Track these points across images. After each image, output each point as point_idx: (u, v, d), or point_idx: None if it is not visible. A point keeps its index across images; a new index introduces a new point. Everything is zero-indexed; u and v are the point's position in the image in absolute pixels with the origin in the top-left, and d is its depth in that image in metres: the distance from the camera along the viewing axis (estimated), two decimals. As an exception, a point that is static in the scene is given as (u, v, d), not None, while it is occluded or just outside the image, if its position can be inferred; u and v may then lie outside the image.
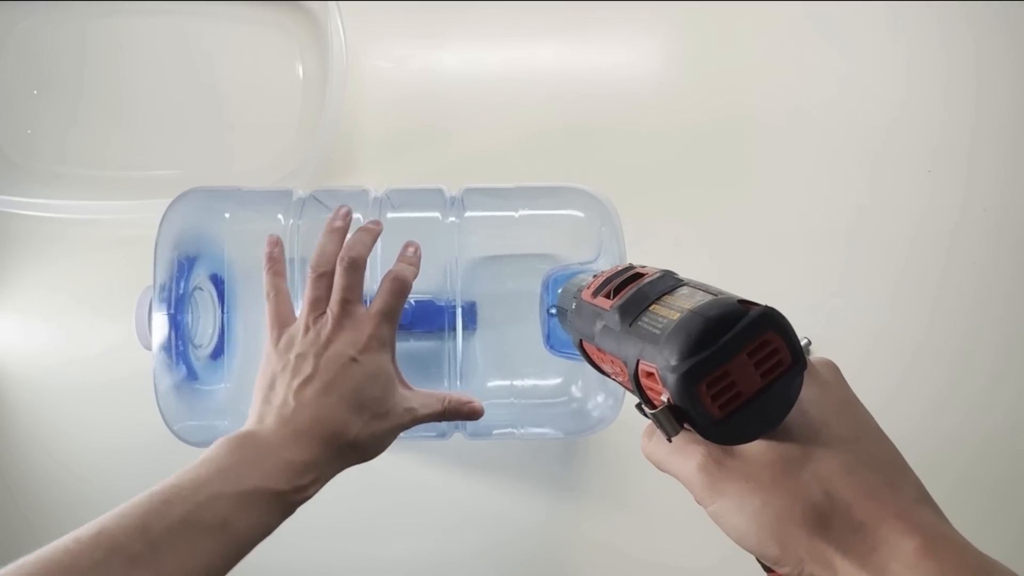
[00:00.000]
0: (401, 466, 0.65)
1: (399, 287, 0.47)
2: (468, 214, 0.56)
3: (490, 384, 0.56)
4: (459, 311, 0.54)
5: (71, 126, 0.70)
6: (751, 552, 0.30)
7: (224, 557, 0.37)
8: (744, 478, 0.29)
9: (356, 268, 0.47)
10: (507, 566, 0.65)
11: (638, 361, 0.29)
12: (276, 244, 0.50)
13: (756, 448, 0.29)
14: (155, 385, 0.51)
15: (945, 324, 0.66)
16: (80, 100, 0.70)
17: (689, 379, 0.26)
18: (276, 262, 0.49)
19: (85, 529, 0.35)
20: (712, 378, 0.26)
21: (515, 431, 0.57)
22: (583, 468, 0.65)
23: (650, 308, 0.30)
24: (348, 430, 0.43)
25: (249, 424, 0.44)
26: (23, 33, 0.70)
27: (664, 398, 0.27)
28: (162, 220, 0.53)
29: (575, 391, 0.56)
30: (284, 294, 0.49)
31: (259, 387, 0.46)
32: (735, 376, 0.26)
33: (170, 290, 0.52)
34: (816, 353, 0.63)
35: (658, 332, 0.28)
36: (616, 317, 0.31)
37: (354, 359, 0.45)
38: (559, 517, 0.65)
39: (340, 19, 0.65)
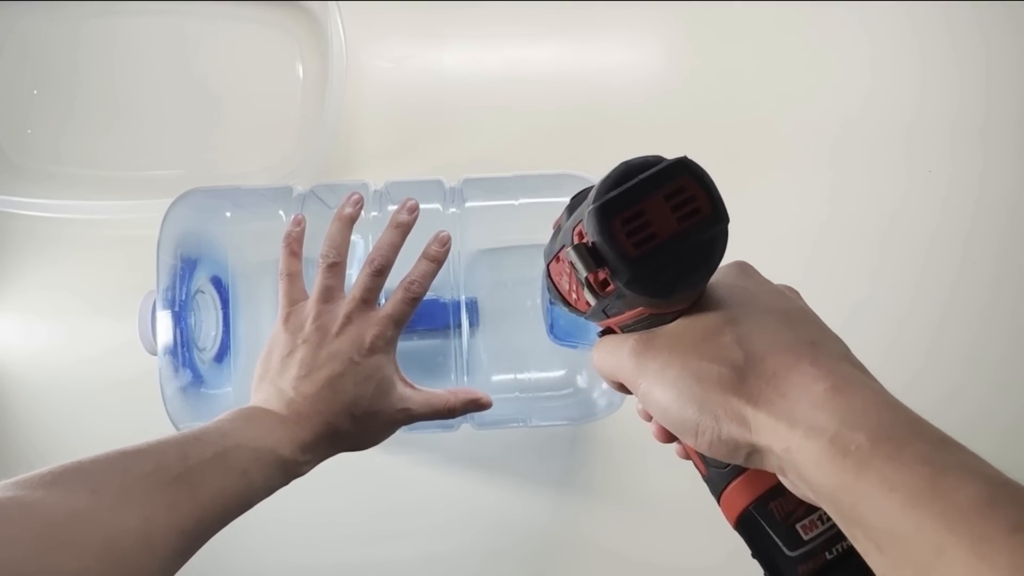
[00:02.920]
0: (403, 467, 0.65)
1: (412, 297, 0.48)
2: (468, 204, 0.56)
3: (495, 379, 0.56)
4: (463, 308, 0.54)
5: (70, 126, 0.70)
6: (671, 426, 0.30)
7: (239, 500, 0.39)
8: (668, 350, 0.29)
9: (381, 274, 0.48)
10: (511, 568, 0.65)
11: (573, 228, 0.29)
12: (299, 224, 0.51)
13: (682, 323, 0.30)
14: (162, 389, 0.52)
15: (958, 322, 0.67)
16: (79, 100, 0.70)
17: (603, 213, 0.27)
18: (294, 241, 0.50)
19: (126, 448, 0.37)
20: (627, 215, 0.27)
21: (523, 423, 0.57)
22: (590, 469, 0.65)
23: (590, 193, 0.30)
24: (341, 425, 0.45)
25: (255, 402, 0.46)
26: (22, 33, 0.70)
27: (587, 241, 0.28)
28: (163, 223, 0.53)
29: (580, 381, 0.56)
30: (297, 275, 0.50)
31: (264, 363, 0.48)
32: (650, 216, 0.27)
33: (173, 294, 0.52)
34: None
35: (591, 196, 0.28)
36: (565, 214, 0.32)
37: (354, 360, 0.46)
38: (564, 518, 0.65)
39: (340, 19, 0.65)
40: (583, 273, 0.28)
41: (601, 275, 0.28)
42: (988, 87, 0.69)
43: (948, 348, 0.66)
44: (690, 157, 0.27)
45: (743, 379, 0.27)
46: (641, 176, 0.27)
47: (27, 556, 0.29)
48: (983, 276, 0.67)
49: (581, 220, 0.28)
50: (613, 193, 0.27)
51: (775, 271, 0.35)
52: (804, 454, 0.25)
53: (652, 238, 0.27)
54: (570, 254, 0.28)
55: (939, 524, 0.22)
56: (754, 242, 0.68)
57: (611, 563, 0.64)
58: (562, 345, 0.54)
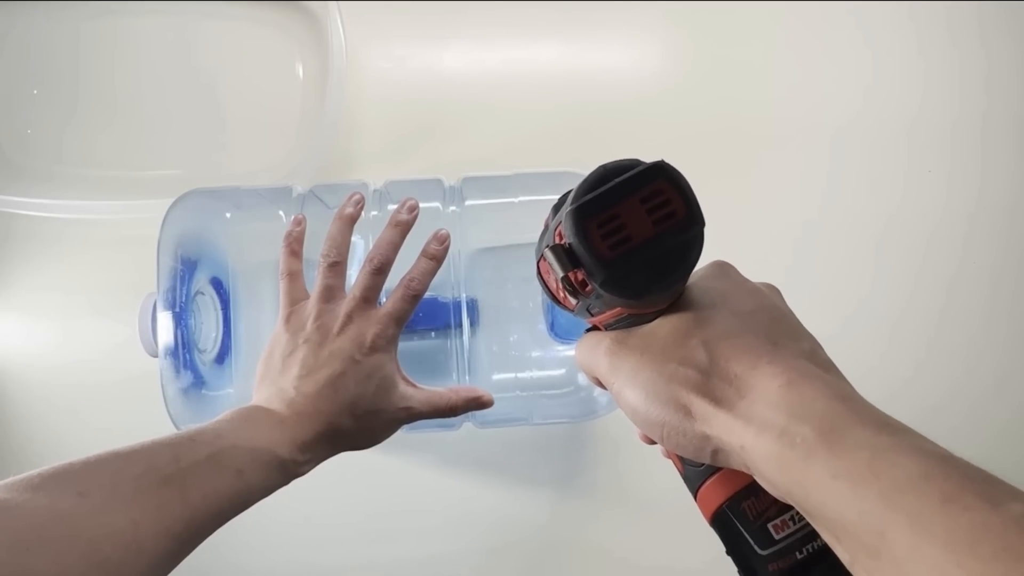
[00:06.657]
0: (404, 467, 0.65)
1: (412, 295, 0.48)
2: (468, 203, 0.56)
3: (496, 378, 0.56)
4: (464, 307, 0.54)
5: (71, 126, 0.70)
6: (641, 425, 0.30)
7: (233, 501, 0.39)
8: (640, 352, 0.30)
9: (381, 272, 0.48)
10: (511, 568, 0.65)
11: (555, 229, 0.29)
12: (299, 223, 0.51)
13: (655, 324, 0.31)
14: (163, 391, 0.51)
15: (957, 323, 0.67)
16: (80, 100, 0.70)
17: (579, 215, 0.27)
18: (295, 240, 0.50)
19: (117, 449, 0.37)
20: (602, 218, 0.27)
21: (524, 422, 0.57)
22: (591, 468, 0.65)
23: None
24: (342, 424, 0.45)
25: (257, 401, 0.46)
26: (23, 32, 0.70)
27: (564, 242, 0.28)
28: (163, 224, 0.53)
29: (581, 379, 0.56)
30: (298, 275, 0.50)
31: (265, 363, 0.48)
32: (626, 219, 0.27)
33: (173, 295, 0.52)
34: (833, 354, 0.63)
35: (570, 198, 0.29)
36: (552, 213, 0.32)
37: (355, 359, 0.46)
38: (565, 518, 0.65)
39: (340, 19, 0.65)
40: (560, 273, 0.28)
41: (579, 275, 0.28)
42: (988, 87, 0.69)
43: (947, 348, 0.66)
44: (668, 161, 0.28)
45: (708, 380, 0.28)
46: (617, 179, 0.27)
47: (5, 558, 0.29)
48: (982, 276, 0.67)
49: (561, 222, 0.29)
50: (589, 196, 0.27)
51: (773, 269, 0.35)
52: (757, 451, 0.26)
53: (627, 241, 0.27)
54: (547, 254, 0.28)
55: (879, 506, 0.22)
56: (753, 240, 0.68)
57: (611, 563, 0.64)
58: (562, 343, 0.54)
